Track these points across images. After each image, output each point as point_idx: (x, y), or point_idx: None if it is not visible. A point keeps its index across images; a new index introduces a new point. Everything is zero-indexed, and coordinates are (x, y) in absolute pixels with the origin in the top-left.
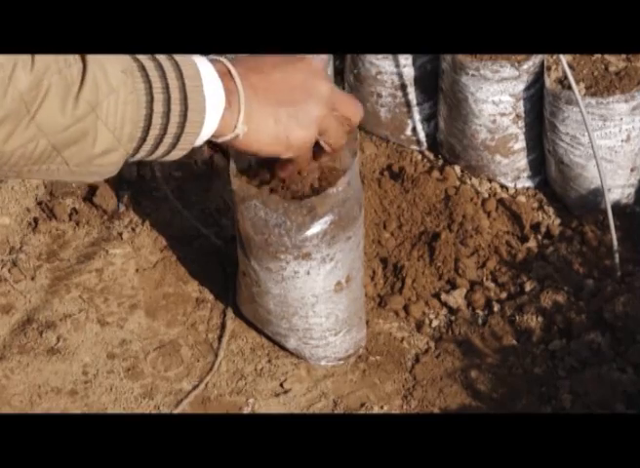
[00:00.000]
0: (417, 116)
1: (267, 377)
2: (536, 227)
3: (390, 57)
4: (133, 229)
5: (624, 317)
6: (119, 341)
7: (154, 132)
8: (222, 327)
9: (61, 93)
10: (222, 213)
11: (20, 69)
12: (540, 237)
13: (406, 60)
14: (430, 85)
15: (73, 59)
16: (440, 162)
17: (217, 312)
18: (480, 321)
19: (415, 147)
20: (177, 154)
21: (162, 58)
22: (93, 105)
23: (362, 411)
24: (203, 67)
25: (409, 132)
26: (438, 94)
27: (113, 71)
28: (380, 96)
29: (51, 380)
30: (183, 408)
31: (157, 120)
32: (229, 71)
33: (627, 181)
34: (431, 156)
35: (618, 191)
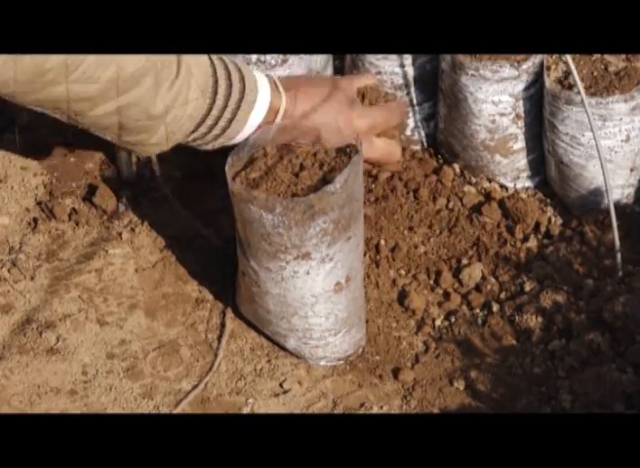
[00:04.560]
0: (416, 116)
1: (267, 377)
2: (535, 227)
3: (390, 57)
4: (132, 229)
5: (624, 317)
6: (118, 341)
7: (195, 137)
8: (222, 327)
9: (154, 91)
10: (222, 213)
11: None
12: (539, 237)
13: (405, 60)
14: (430, 85)
15: (174, 58)
16: (439, 162)
17: (216, 312)
18: (480, 321)
19: (414, 147)
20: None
21: (234, 69)
22: (168, 109)
23: (361, 411)
24: (263, 90)
25: (408, 132)
26: (438, 94)
27: (195, 86)
28: None
29: (50, 380)
30: (183, 408)
31: (203, 130)
32: (277, 86)
33: (627, 181)
34: (431, 156)
35: (617, 191)
